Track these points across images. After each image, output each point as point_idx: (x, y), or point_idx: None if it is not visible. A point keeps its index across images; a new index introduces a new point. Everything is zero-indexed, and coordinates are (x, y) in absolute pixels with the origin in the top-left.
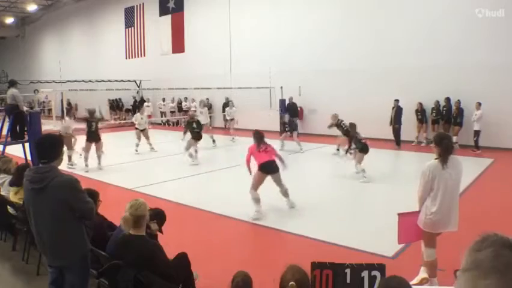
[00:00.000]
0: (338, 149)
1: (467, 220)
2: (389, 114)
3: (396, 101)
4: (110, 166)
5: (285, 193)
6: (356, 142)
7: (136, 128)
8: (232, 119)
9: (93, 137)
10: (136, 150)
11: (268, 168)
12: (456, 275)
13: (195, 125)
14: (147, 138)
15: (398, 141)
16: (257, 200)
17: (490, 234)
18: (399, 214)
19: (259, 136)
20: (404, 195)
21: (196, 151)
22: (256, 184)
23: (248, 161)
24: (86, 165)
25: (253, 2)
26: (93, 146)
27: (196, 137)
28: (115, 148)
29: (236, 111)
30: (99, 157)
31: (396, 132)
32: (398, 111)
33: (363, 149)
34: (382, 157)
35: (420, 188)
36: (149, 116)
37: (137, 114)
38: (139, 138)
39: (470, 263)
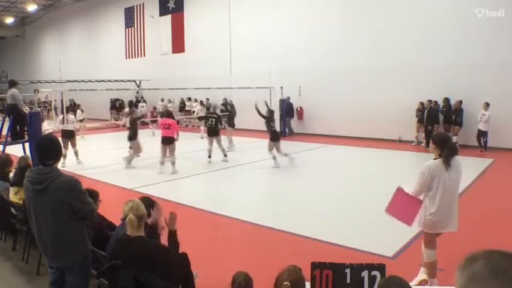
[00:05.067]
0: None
1: (467, 220)
2: (390, 114)
3: (430, 101)
4: (110, 166)
5: (173, 162)
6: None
7: None
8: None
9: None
10: None
11: (164, 141)
12: None
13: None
14: None
15: (428, 142)
16: (162, 163)
17: (478, 251)
18: (399, 187)
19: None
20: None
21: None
22: (162, 153)
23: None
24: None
25: (253, 2)
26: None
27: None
28: (116, 148)
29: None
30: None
31: (430, 134)
32: (431, 112)
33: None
34: (382, 157)
35: (417, 187)
36: (145, 116)
37: None
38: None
39: (465, 279)
